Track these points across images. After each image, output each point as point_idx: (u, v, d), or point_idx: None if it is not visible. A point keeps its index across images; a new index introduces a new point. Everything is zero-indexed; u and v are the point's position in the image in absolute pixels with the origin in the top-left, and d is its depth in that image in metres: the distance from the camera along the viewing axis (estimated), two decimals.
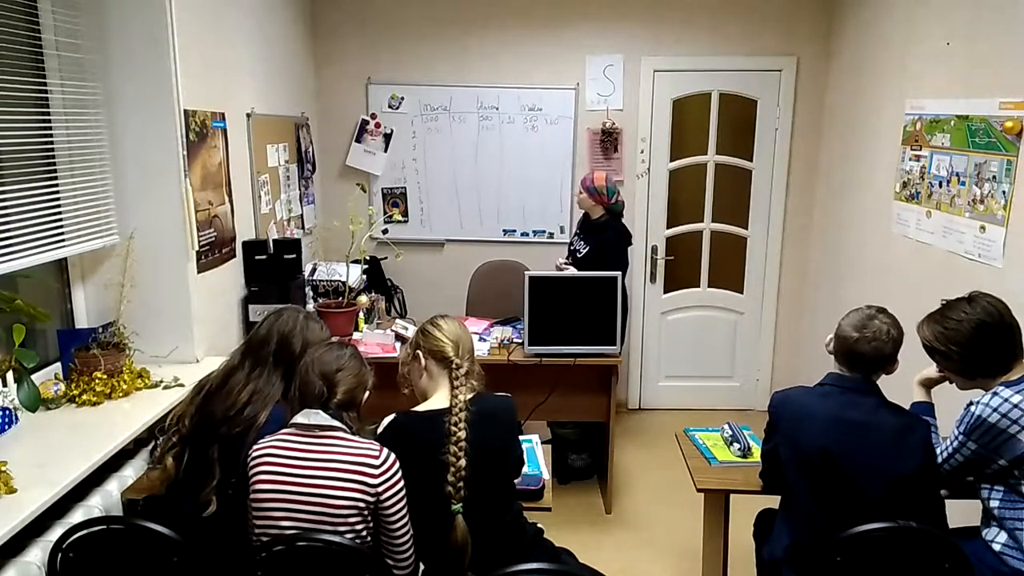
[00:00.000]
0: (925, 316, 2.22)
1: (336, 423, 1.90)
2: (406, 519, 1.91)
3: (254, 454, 1.90)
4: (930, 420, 2.24)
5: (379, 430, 2.05)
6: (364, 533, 1.87)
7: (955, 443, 2.09)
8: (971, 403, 2.07)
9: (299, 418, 1.92)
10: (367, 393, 2.04)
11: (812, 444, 2.04)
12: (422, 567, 2.07)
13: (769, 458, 2.26)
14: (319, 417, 1.90)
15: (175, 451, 2.09)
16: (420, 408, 2.09)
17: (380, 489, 1.84)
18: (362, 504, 1.83)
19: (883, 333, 2.06)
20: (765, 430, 2.26)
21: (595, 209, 3.89)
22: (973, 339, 2.09)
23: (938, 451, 2.13)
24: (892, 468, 1.98)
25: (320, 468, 1.85)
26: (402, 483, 1.89)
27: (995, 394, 2.03)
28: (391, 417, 2.06)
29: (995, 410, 2.01)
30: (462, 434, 1.95)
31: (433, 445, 1.95)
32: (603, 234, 3.89)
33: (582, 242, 3.95)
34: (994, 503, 2.07)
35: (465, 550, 1.92)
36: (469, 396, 2.05)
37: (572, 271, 3.77)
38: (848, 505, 1.99)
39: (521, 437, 2.43)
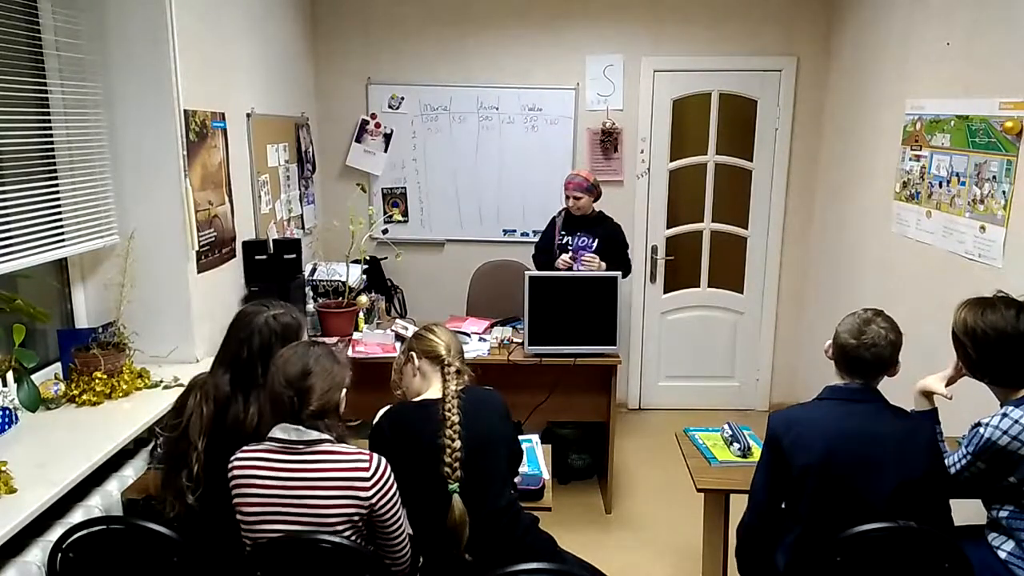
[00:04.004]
0: (972, 299, 2.15)
1: (320, 435, 1.82)
2: (401, 520, 1.92)
3: (236, 472, 1.83)
4: (935, 427, 2.21)
5: (375, 420, 2.10)
6: (355, 539, 1.84)
7: (964, 461, 2.05)
8: (979, 424, 2.03)
9: (278, 432, 1.82)
10: (344, 391, 1.94)
11: (814, 459, 1.99)
12: (421, 560, 2.08)
13: (770, 485, 2.13)
14: (300, 432, 1.81)
15: (190, 489, 1.99)
16: (415, 400, 2.17)
17: (374, 500, 1.82)
18: (356, 517, 1.81)
19: (881, 338, 2.02)
20: (763, 453, 2.16)
21: (589, 205, 3.92)
22: (994, 346, 2.05)
23: (947, 461, 2.09)
24: (897, 475, 1.95)
25: (311, 487, 1.79)
26: (395, 487, 1.88)
27: (1004, 416, 1.99)
28: (386, 408, 2.14)
29: (1005, 432, 1.97)
30: (456, 418, 2.02)
31: (428, 430, 2.01)
32: (608, 224, 3.96)
33: (584, 238, 3.93)
34: (1003, 514, 2.05)
35: (462, 530, 1.95)
36: (460, 387, 2.13)
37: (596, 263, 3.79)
38: (854, 516, 1.93)
39: (521, 437, 2.45)
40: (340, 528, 1.80)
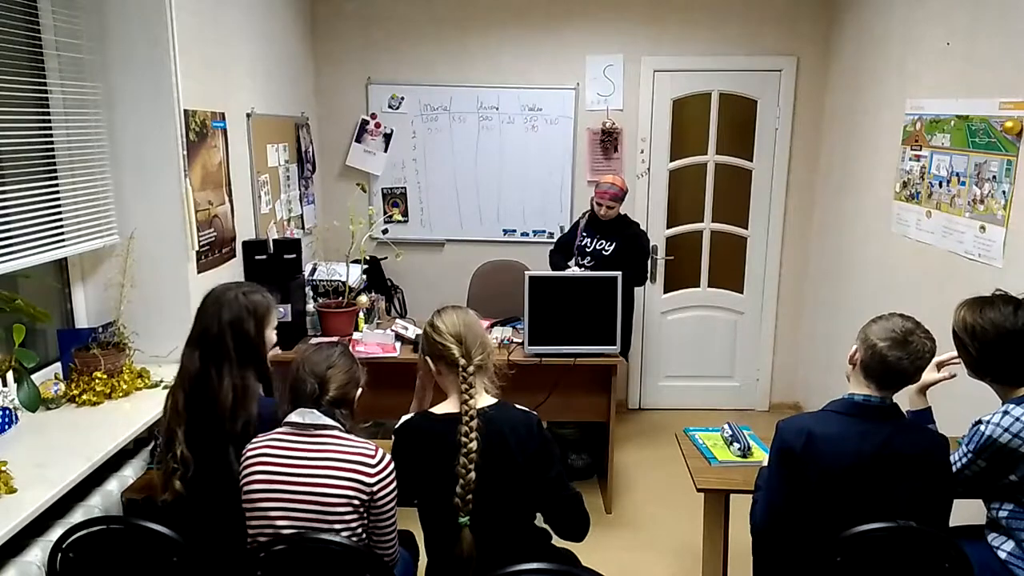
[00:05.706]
0: (971, 298, 2.13)
1: (331, 421, 1.91)
2: (394, 516, 1.93)
3: (249, 453, 1.90)
4: (932, 429, 2.21)
5: (396, 427, 2.02)
6: (360, 530, 1.87)
7: (964, 459, 2.04)
8: (979, 421, 2.03)
9: (294, 417, 1.92)
10: (359, 390, 2.05)
11: (832, 481, 1.92)
12: (425, 561, 2.07)
13: (787, 492, 2.00)
14: (314, 416, 1.90)
15: (179, 473, 2.02)
16: (437, 410, 2.02)
17: (376, 488, 1.85)
18: (357, 502, 1.84)
19: (927, 349, 1.93)
20: (775, 461, 2.03)
21: (617, 211, 3.95)
22: (994, 343, 2.04)
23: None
24: (913, 492, 1.92)
25: (317, 467, 1.85)
26: (395, 483, 1.90)
27: (1005, 413, 1.99)
28: (407, 417, 2.03)
29: (1006, 430, 1.96)
30: (473, 445, 1.87)
31: (447, 449, 1.90)
32: (629, 230, 3.97)
33: (603, 241, 3.96)
34: (1003, 514, 2.05)
35: (471, 562, 1.90)
36: (488, 403, 1.99)
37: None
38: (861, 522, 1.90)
39: None
40: (346, 515, 1.83)
